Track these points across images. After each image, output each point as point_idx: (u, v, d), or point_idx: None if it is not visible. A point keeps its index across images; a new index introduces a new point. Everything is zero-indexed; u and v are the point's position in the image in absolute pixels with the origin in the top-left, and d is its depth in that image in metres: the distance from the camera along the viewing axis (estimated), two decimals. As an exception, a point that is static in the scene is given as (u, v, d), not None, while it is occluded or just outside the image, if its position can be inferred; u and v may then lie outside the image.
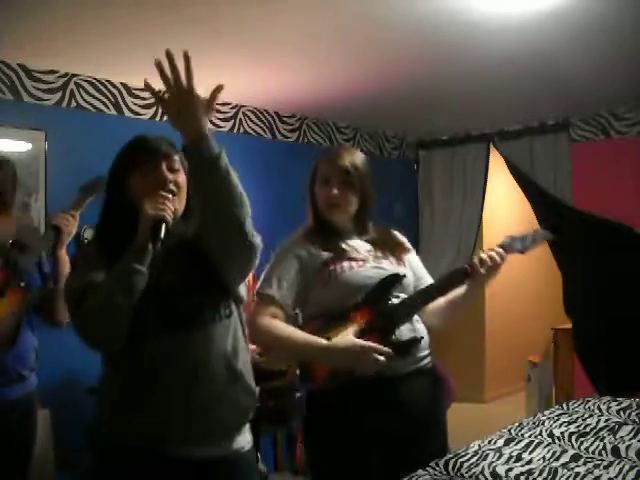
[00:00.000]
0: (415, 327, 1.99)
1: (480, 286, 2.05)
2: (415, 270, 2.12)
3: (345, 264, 1.96)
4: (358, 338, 1.85)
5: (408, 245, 2.19)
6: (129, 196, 1.62)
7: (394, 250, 2.09)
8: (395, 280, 1.98)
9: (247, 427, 1.69)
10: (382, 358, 1.80)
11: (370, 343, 1.82)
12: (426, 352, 2.03)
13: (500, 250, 1.99)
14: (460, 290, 2.03)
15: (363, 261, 1.99)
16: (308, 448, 2.09)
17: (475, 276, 1.96)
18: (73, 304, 1.57)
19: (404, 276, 2.00)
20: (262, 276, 2.01)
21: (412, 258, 2.15)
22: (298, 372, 1.99)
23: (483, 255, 1.97)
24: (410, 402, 1.94)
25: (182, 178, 1.66)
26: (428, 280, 2.12)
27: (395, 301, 1.97)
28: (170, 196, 1.59)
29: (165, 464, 1.55)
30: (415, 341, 1.95)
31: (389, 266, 2.02)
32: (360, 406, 1.89)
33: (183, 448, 1.56)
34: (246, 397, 1.65)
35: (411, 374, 1.95)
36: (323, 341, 1.85)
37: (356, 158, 2.05)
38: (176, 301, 1.57)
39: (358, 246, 2.04)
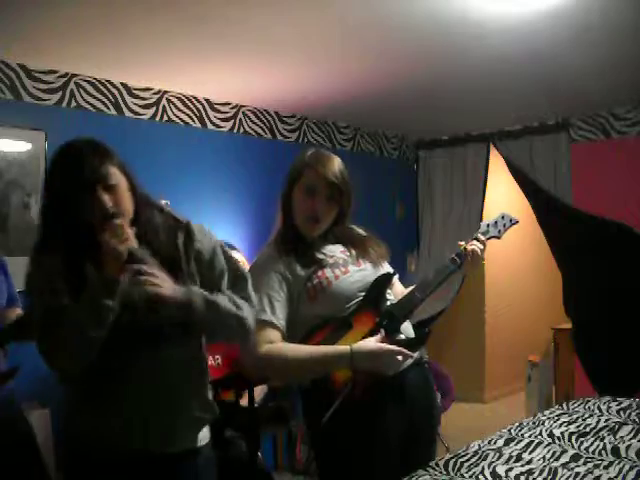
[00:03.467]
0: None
1: (468, 274, 2.13)
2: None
3: (328, 274, 1.92)
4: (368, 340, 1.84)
5: (371, 236, 2.14)
6: (73, 219, 1.54)
7: (360, 245, 2.05)
8: (387, 279, 1.99)
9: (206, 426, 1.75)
10: (401, 358, 1.81)
11: (393, 346, 1.81)
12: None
13: (482, 238, 2.08)
14: None
15: (344, 266, 1.96)
16: (319, 447, 2.02)
17: (465, 267, 2.03)
18: (40, 331, 1.52)
19: (394, 274, 2.03)
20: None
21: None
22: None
23: (468, 247, 2.02)
24: (413, 392, 1.96)
25: (120, 186, 1.56)
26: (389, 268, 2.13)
27: (389, 299, 1.98)
28: (120, 220, 1.51)
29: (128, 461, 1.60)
30: (425, 335, 1.96)
31: (369, 265, 2.00)
32: (377, 406, 1.88)
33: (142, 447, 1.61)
34: (204, 413, 1.70)
35: (411, 367, 1.97)
36: (345, 348, 1.81)
37: (342, 169, 1.99)
38: (145, 316, 1.55)
39: (332, 251, 2.00)
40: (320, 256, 1.96)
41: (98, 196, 1.51)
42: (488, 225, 2.15)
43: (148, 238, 1.59)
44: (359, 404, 1.83)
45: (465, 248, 2.03)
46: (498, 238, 2.16)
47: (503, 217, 2.18)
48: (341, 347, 1.82)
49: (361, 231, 2.14)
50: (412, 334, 2.00)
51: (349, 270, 1.96)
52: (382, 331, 1.87)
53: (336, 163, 1.99)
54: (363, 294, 1.93)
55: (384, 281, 1.98)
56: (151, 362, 1.59)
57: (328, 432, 1.88)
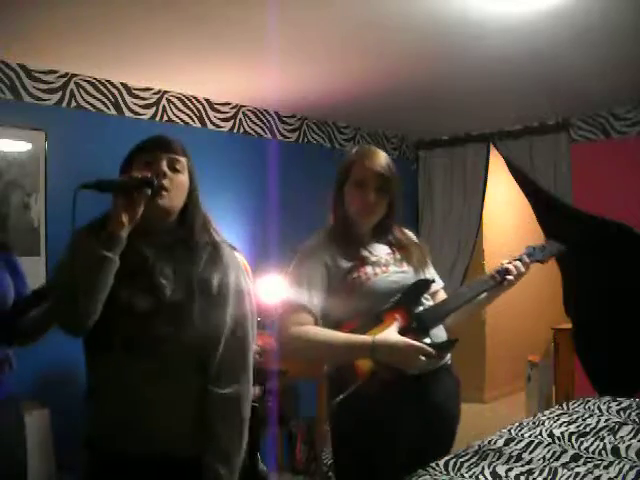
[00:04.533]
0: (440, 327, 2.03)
1: (500, 293, 2.14)
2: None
3: (369, 270, 1.97)
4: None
5: (421, 244, 2.21)
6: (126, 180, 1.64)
7: (405, 248, 2.10)
8: (426, 285, 2.02)
9: None
10: (424, 358, 1.82)
11: (417, 343, 1.82)
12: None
13: (527, 260, 2.10)
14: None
15: (386, 266, 2.01)
16: (336, 439, 2.06)
17: (501, 284, 2.06)
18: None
19: (433, 281, 2.06)
20: (289, 279, 2.00)
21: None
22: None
23: (509, 265, 2.06)
24: (438, 397, 1.98)
25: (181, 179, 1.68)
26: (436, 276, 2.18)
27: (426, 304, 2.01)
28: (164, 183, 1.62)
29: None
30: (451, 343, 1.96)
31: (410, 269, 2.05)
32: (393, 402, 1.89)
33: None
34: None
35: (437, 371, 1.99)
36: (367, 337, 1.84)
37: (388, 162, 2.06)
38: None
39: (378, 251, 2.06)
40: (365, 253, 2.02)
41: (159, 160, 1.63)
42: (534, 248, 2.16)
43: (178, 238, 1.68)
44: (374, 397, 1.83)
45: (506, 266, 2.06)
46: (542, 263, 2.17)
47: (551, 244, 2.21)
48: (364, 336, 1.85)
49: (410, 234, 2.19)
50: (441, 339, 2.00)
51: (389, 270, 2.01)
52: (402, 330, 1.87)
53: (382, 156, 2.06)
54: (399, 295, 1.96)
55: (422, 286, 2.01)
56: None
57: (339, 416, 1.95)
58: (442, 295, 2.16)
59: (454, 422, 2.08)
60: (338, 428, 2.01)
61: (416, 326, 1.92)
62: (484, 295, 2.11)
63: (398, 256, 2.06)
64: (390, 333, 1.83)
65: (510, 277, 2.05)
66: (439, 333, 2.01)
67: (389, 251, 2.07)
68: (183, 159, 1.69)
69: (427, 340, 1.91)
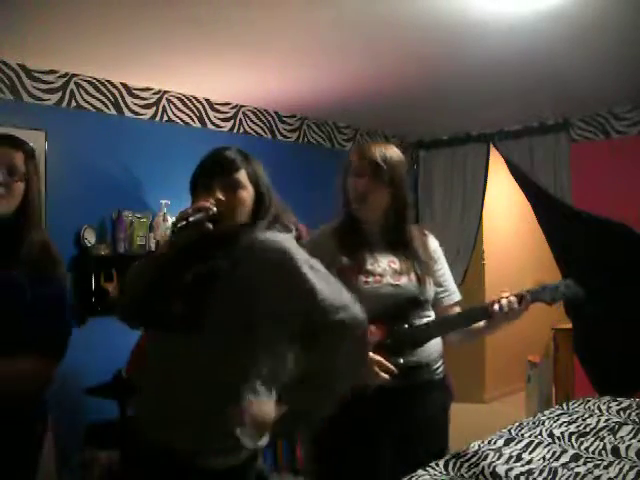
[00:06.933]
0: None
1: (497, 327, 1.99)
2: (439, 281, 2.05)
3: (361, 277, 1.91)
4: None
5: (436, 254, 2.09)
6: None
7: (420, 264, 1.98)
8: (414, 304, 1.94)
9: None
10: (386, 376, 1.78)
11: (377, 357, 1.79)
12: (439, 363, 2.02)
13: (528, 298, 1.91)
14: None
15: (380, 276, 1.93)
16: (314, 451, 2.04)
17: (494, 318, 1.92)
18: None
19: (425, 301, 1.97)
20: None
21: (438, 268, 2.07)
22: None
23: (504, 301, 1.89)
24: (420, 412, 1.94)
25: (239, 196, 1.62)
26: (450, 288, 2.07)
27: (416, 322, 1.94)
28: (208, 208, 1.56)
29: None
30: (419, 368, 1.91)
31: (408, 284, 1.95)
32: (372, 414, 1.88)
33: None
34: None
35: (423, 385, 1.94)
36: None
37: (390, 152, 1.98)
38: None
39: (380, 258, 1.96)
40: (364, 257, 1.94)
41: (213, 189, 1.59)
42: (544, 288, 1.96)
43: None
44: (350, 409, 1.76)
45: (500, 299, 1.89)
46: (549, 304, 1.98)
47: (566, 286, 1.99)
48: None
49: (433, 245, 2.09)
50: (412, 362, 1.92)
51: (382, 281, 1.93)
52: (376, 345, 1.82)
53: (382, 146, 2.00)
54: (381, 308, 1.87)
55: (411, 303, 1.94)
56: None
57: (323, 437, 1.92)
58: (456, 310, 2.07)
59: (438, 435, 2.01)
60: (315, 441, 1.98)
61: (390, 343, 1.87)
62: (481, 324, 1.99)
63: (400, 267, 1.95)
64: None
65: (497, 310, 1.88)
66: (422, 352, 1.94)
67: (393, 260, 1.97)
68: (238, 175, 1.64)
69: (400, 360, 1.86)
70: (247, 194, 1.65)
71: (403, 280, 1.95)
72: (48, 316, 1.69)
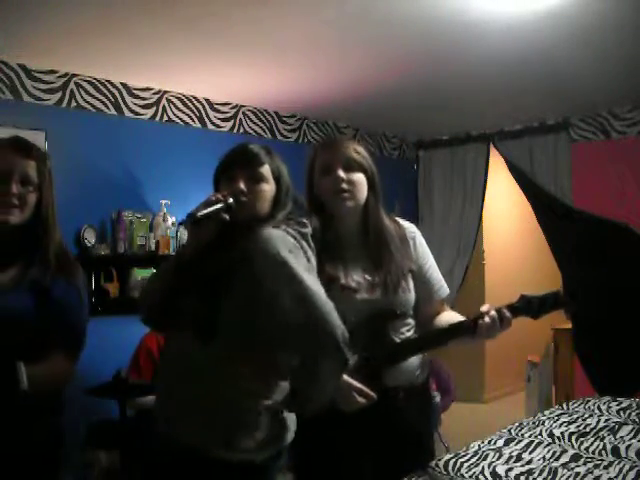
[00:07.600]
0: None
1: (480, 340, 1.81)
2: (425, 278, 1.93)
3: (335, 292, 1.70)
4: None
5: (421, 248, 1.94)
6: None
7: (397, 269, 1.84)
8: (391, 318, 1.83)
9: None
10: (363, 400, 1.68)
11: (355, 383, 1.69)
12: (418, 371, 1.91)
13: (507, 314, 1.74)
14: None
15: (354, 291, 1.80)
16: (297, 462, 1.95)
17: (477, 335, 1.76)
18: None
19: (402, 314, 1.84)
20: None
21: (423, 263, 1.93)
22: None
23: (487, 318, 1.72)
24: (399, 419, 1.85)
25: (261, 189, 1.65)
26: (437, 283, 1.94)
27: (394, 336, 1.83)
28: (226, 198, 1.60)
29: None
30: (397, 389, 1.83)
31: (383, 297, 1.81)
32: (348, 431, 1.79)
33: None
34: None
35: (399, 392, 1.85)
36: None
37: (358, 146, 1.89)
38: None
39: (354, 268, 1.84)
40: (340, 265, 1.83)
41: (236, 181, 1.63)
42: (529, 301, 1.79)
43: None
44: (336, 420, 1.71)
45: (482, 314, 1.73)
46: (534, 318, 1.80)
47: (557, 297, 1.84)
48: None
49: (408, 233, 1.93)
50: (391, 383, 1.81)
51: (354, 297, 1.80)
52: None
53: (346, 139, 2.01)
54: (353, 321, 1.69)
55: (386, 318, 1.82)
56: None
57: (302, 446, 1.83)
58: (445, 310, 1.96)
59: (420, 442, 1.92)
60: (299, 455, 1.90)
61: (368, 363, 1.75)
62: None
63: (376, 279, 1.82)
64: None
65: (479, 328, 1.73)
66: (402, 371, 1.84)
67: (368, 269, 1.83)
68: (261, 168, 1.67)
69: (380, 381, 1.76)
70: (269, 188, 1.67)
71: (378, 292, 1.82)
72: (72, 315, 1.73)
